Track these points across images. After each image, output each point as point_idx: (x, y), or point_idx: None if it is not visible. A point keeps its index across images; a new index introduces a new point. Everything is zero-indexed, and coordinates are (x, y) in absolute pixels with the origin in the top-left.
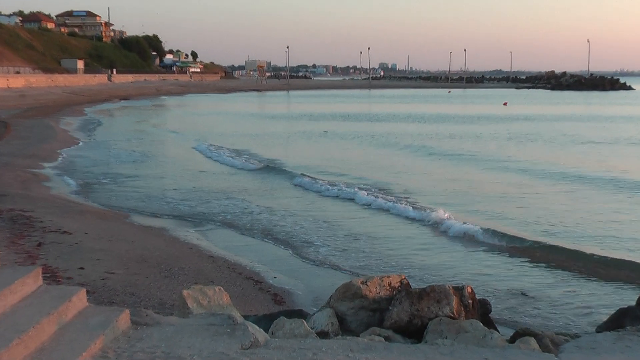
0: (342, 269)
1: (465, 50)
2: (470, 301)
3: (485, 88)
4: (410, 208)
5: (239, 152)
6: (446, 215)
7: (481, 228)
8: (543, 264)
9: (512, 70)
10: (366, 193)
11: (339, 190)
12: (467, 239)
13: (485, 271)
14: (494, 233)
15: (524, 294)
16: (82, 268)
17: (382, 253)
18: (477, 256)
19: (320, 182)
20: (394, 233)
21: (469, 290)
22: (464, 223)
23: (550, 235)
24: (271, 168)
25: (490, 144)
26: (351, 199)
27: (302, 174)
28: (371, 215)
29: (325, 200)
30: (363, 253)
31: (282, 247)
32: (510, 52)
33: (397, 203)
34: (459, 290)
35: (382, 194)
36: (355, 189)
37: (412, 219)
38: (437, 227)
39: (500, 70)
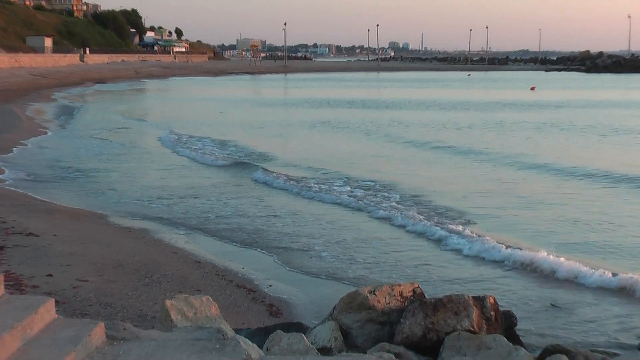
0: (346, 278)
1: (487, 27)
2: (492, 313)
3: (510, 70)
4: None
5: (224, 143)
6: (467, 231)
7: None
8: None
9: (541, 50)
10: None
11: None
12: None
13: (509, 279)
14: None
15: (554, 305)
16: (50, 275)
17: (389, 259)
18: (499, 262)
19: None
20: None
21: (492, 300)
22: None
23: (585, 246)
24: (244, 164)
25: (516, 135)
26: (360, 209)
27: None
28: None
29: (318, 202)
30: (372, 258)
31: (278, 251)
32: (539, 30)
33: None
34: (480, 300)
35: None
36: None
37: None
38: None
39: (527, 50)
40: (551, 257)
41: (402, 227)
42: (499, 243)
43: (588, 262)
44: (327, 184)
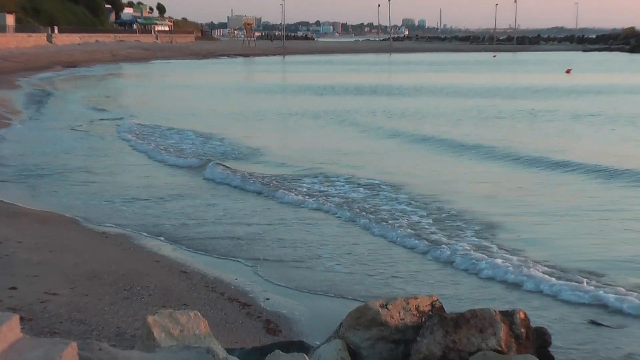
0: (355, 291)
1: (515, 1)
2: (523, 330)
3: (541, 51)
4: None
5: (207, 136)
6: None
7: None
8: (620, 285)
9: (578, 27)
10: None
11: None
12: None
13: (541, 292)
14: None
15: (594, 322)
16: (14, 288)
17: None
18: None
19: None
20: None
21: (522, 315)
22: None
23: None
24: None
25: (550, 127)
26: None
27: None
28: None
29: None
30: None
31: (275, 259)
32: (576, 3)
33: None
34: (508, 316)
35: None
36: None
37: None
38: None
39: (561, 27)
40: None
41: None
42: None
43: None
44: (332, 185)
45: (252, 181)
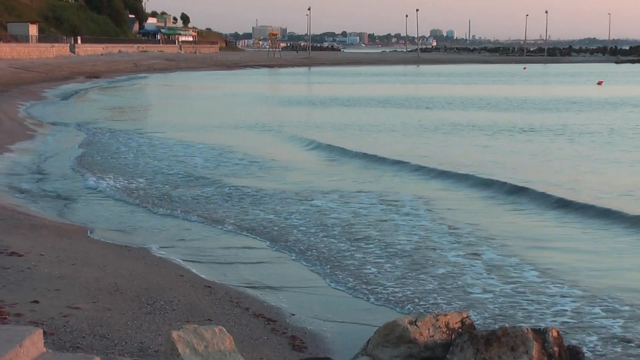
0: (386, 303)
1: (546, 12)
2: (556, 349)
3: (573, 63)
4: None
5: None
6: None
7: None
8: None
9: (611, 38)
10: None
11: None
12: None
13: (574, 307)
14: None
15: (627, 340)
16: (36, 301)
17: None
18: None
19: None
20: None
21: (555, 334)
22: None
23: None
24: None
25: (584, 140)
26: None
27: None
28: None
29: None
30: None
31: (308, 268)
32: (609, 14)
33: None
34: (540, 334)
35: None
36: None
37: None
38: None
39: (593, 38)
40: None
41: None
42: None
43: None
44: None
45: None
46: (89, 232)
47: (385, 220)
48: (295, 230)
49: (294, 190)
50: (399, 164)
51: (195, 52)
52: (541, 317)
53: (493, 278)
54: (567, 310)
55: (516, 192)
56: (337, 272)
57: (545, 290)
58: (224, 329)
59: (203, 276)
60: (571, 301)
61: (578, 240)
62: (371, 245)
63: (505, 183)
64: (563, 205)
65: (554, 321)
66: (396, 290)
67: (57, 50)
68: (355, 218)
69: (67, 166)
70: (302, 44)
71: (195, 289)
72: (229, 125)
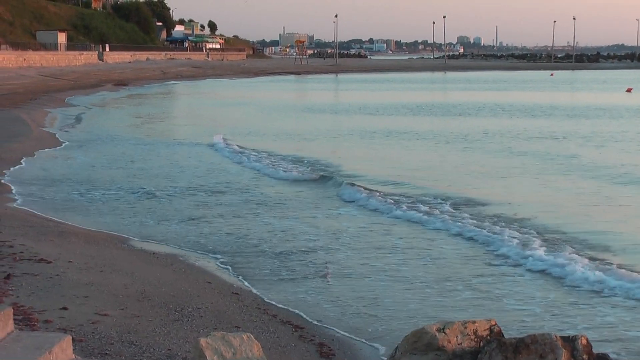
0: (410, 310)
1: (574, 18)
2: (585, 357)
3: (601, 69)
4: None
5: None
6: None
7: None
8: None
9: (639, 44)
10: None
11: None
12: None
13: (605, 316)
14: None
15: None
16: (65, 308)
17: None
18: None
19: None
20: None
21: (584, 341)
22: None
23: None
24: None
25: (612, 150)
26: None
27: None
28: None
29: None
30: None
31: (328, 280)
32: (637, 20)
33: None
34: (569, 341)
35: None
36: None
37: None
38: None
39: (622, 44)
40: None
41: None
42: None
43: None
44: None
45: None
46: (123, 241)
47: None
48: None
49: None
50: None
51: (222, 60)
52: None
53: None
54: None
55: None
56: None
57: None
58: (252, 336)
59: (231, 283)
60: None
61: None
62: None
63: None
64: None
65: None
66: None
67: (85, 58)
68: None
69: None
70: (329, 51)
71: (223, 295)
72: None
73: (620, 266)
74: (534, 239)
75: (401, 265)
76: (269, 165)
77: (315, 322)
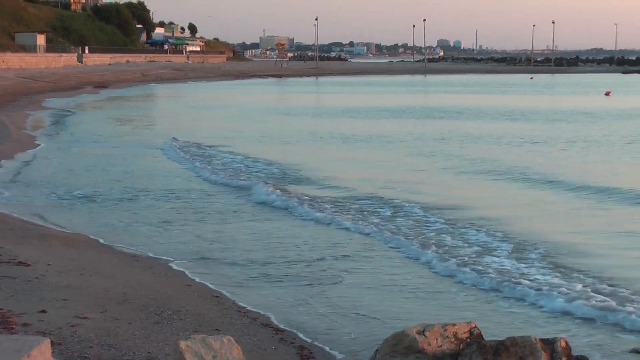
0: (390, 316)
1: (553, 22)
2: (564, 359)
3: (580, 73)
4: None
5: (252, 159)
6: None
7: None
8: None
9: (618, 49)
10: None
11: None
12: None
13: (580, 319)
14: None
15: (637, 351)
16: (43, 311)
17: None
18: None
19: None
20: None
21: (563, 344)
22: None
23: None
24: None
25: (590, 152)
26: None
27: None
28: None
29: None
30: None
31: (309, 282)
32: (615, 25)
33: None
34: (549, 344)
35: None
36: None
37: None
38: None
39: (600, 48)
40: None
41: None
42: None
43: None
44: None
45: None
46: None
47: None
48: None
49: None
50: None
51: (202, 62)
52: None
53: None
54: None
55: None
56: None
57: None
58: (232, 339)
59: (211, 286)
60: None
61: None
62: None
63: None
64: None
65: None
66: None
67: (65, 60)
68: None
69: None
70: (309, 54)
71: (203, 298)
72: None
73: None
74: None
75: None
76: (210, 169)
77: (296, 326)
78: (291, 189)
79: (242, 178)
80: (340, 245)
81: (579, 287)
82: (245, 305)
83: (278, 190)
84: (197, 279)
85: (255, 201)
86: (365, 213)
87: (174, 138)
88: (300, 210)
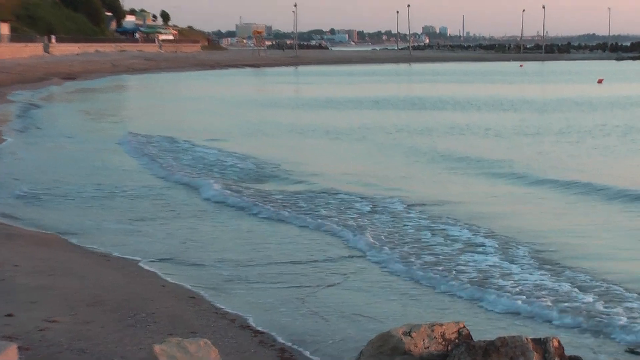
0: (376, 317)
1: (544, 7)
2: (557, 359)
3: (572, 60)
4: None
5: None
6: None
7: None
8: None
9: (611, 34)
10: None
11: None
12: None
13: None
14: None
15: (632, 351)
16: (10, 315)
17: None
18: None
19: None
20: None
21: (555, 343)
22: None
23: None
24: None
25: (584, 142)
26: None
27: None
28: None
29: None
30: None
31: (291, 284)
32: (609, 9)
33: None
34: (541, 344)
35: None
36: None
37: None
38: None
39: (593, 34)
40: None
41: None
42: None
43: None
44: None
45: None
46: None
47: None
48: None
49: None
50: None
51: (176, 52)
52: None
53: None
54: None
55: None
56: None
57: None
58: (209, 342)
59: (187, 287)
60: None
61: None
62: None
63: None
64: None
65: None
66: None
67: (31, 50)
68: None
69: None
70: (288, 42)
71: (179, 300)
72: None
73: None
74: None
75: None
76: (166, 166)
77: (276, 329)
78: (261, 187)
79: (198, 175)
80: (317, 248)
81: (567, 287)
82: (223, 307)
83: (227, 191)
84: (170, 279)
85: (205, 198)
86: (342, 209)
87: (132, 133)
88: (259, 209)
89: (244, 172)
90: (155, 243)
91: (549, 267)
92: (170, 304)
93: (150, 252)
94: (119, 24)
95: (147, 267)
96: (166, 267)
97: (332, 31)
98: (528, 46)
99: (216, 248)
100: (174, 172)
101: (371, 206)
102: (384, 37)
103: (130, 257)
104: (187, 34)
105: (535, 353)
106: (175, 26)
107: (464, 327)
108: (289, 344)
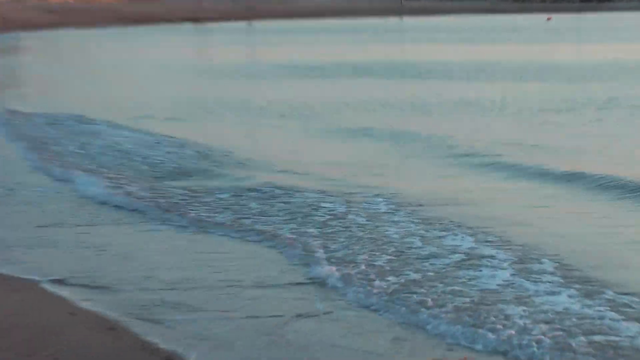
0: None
1: None
2: None
3: (613, 10)
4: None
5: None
6: None
7: None
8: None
9: None
10: None
11: None
12: None
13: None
14: None
15: None
16: None
17: None
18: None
19: None
20: None
21: None
22: None
23: None
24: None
25: (632, 123)
26: None
27: None
28: None
29: None
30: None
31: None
32: None
33: None
34: None
35: None
36: None
37: None
38: None
39: None
40: None
41: None
42: None
43: None
44: None
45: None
46: None
47: None
48: None
49: None
50: None
51: (89, 2)
52: None
53: None
54: None
55: None
56: None
57: None
58: None
59: (104, 313)
60: None
61: None
62: None
63: None
64: None
65: None
66: None
67: None
68: None
69: None
70: None
71: (94, 331)
72: None
73: None
74: None
75: None
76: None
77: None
78: (198, 184)
79: (109, 170)
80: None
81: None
82: (154, 341)
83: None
84: (82, 305)
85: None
86: (298, 216)
87: (11, 111)
88: (193, 215)
89: (178, 164)
90: (60, 257)
91: (578, 286)
92: (82, 337)
93: (54, 270)
94: None
95: (50, 289)
96: (75, 289)
97: None
98: None
99: (140, 263)
100: (67, 166)
101: (345, 207)
102: None
103: (28, 277)
104: None
105: None
106: None
107: None
108: None
